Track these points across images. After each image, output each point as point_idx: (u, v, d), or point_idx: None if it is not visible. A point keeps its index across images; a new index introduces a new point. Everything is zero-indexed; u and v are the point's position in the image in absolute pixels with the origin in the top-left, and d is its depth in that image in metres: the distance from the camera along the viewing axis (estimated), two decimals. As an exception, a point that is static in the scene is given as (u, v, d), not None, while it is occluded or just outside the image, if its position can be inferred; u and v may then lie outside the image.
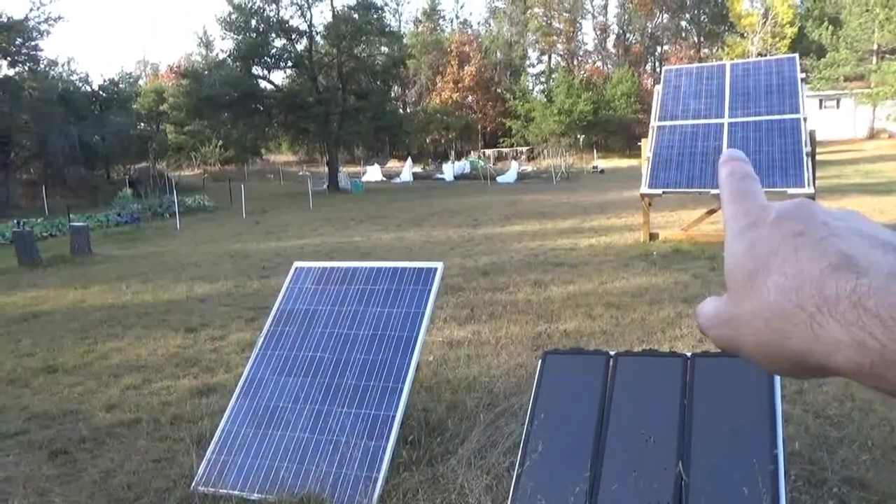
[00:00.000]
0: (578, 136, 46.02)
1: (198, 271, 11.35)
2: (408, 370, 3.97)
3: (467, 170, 38.72)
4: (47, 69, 33.13)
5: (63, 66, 36.30)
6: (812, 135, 10.47)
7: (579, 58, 62.16)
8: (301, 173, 39.19)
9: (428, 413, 4.46)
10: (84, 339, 7.33)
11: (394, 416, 3.77)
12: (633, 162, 36.45)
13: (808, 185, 9.88)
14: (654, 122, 11.67)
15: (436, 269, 4.45)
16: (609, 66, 58.99)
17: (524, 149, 47.47)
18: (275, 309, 4.56)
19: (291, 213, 21.77)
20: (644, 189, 11.06)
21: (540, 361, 3.68)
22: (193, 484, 3.76)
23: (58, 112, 29.05)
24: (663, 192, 10.97)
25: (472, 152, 49.41)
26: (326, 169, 35.45)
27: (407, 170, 38.46)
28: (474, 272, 9.53)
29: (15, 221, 16.40)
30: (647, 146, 11.57)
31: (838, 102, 42.14)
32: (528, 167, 39.73)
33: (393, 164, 46.58)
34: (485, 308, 7.32)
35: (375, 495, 3.44)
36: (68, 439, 4.62)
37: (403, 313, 4.25)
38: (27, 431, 4.85)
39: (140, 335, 7.35)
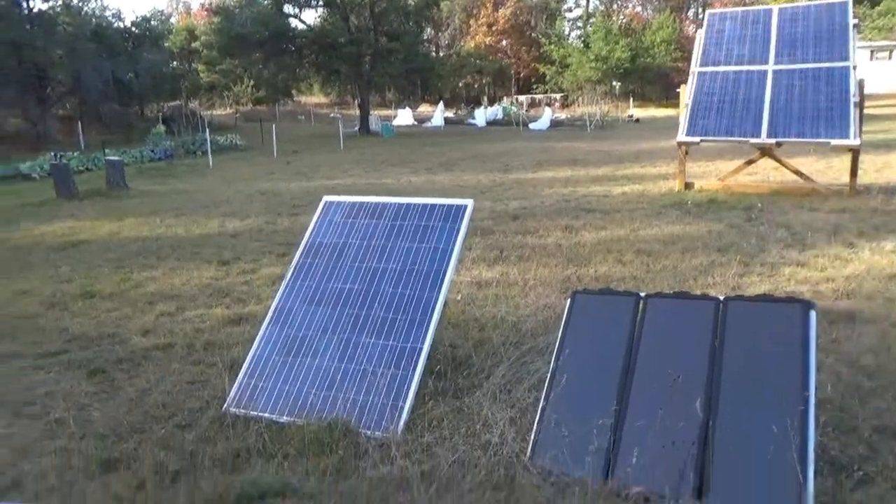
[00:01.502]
0: (615, 83, 44.86)
1: (229, 208, 11.47)
2: (435, 304, 3.98)
3: (499, 116, 38.12)
4: (80, 4, 33.05)
5: (95, 1, 36.23)
6: (861, 84, 10.02)
7: (619, 2, 59.97)
8: (332, 115, 38.99)
9: (455, 349, 4.49)
10: (120, 269, 7.51)
11: (420, 349, 3.81)
12: (670, 112, 35.52)
13: (854, 136, 9.51)
14: (695, 68, 11.27)
15: (465, 206, 4.42)
16: (649, 11, 56.84)
17: (558, 96, 46.49)
18: (304, 241, 4.59)
19: (322, 155, 21.77)
20: (681, 136, 10.77)
21: (569, 300, 3.66)
22: (225, 405, 3.88)
23: (91, 48, 29.11)
24: (701, 141, 10.67)
25: (504, 98, 48.57)
26: (357, 112, 35.20)
27: (438, 114, 38.00)
28: (504, 216, 9.47)
29: (52, 154, 16.68)
30: (686, 93, 11.21)
31: (891, 54, 40.19)
32: (562, 114, 38.96)
33: (424, 108, 46.04)
34: (514, 251, 7.29)
35: (401, 422, 3.50)
36: (106, 360, 4.78)
37: (432, 249, 4.25)
38: (67, 351, 5.02)
39: (174, 266, 7.50)
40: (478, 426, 3.43)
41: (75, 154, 19.22)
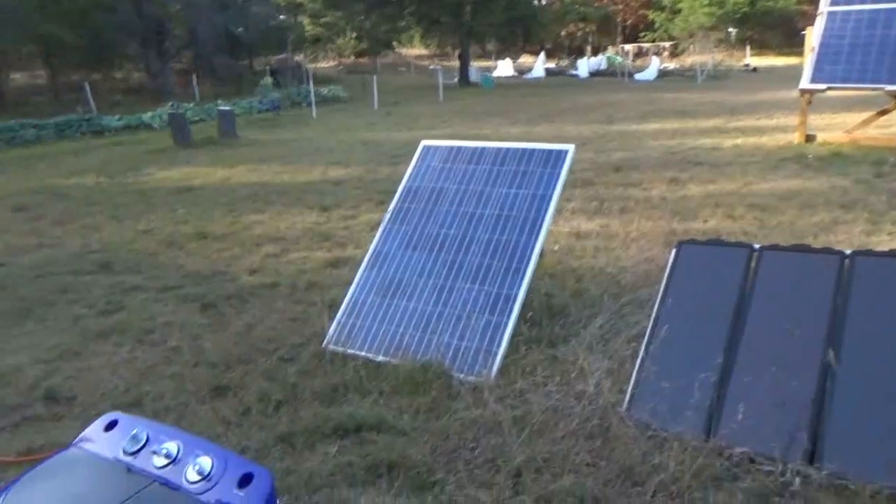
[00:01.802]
0: (730, 30, 41.82)
1: (332, 156, 11.75)
2: (532, 251, 3.90)
3: (603, 66, 36.64)
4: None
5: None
6: None
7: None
8: (432, 67, 38.82)
9: (550, 298, 4.41)
10: (231, 212, 7.88)
11: (516, 295, 3.76)
12: (791, 60, 32.82)
13: None
14: (825, 7, 10.26)
15: (566, 151, 4.26)
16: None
17: (667, 44, 43.97)
18: (402, 185, 4.60)
19: (421, 106, 21.79)
20: (805, 84, 9.91)
21: (674, 251, 3.48)
22: (325, 342, 4.01)
23: (205, 1, 30.22)
24: (827, 88, 9.78)
25: (609, 48, 46.50)
26: (457, 63, 34.85)
27: (539, 65, 37.01)
28: (606, 167, 9.15)
29: (170, 105, 17.64)
30: (812, 35, 10.25)
31: None
32: (671, 64, 36.89)
33: (525, 59, 44.92)
34: (615, 202, 7.03)
35: (495, 367, 3.49)
36: (217, 295, 5.05)
37: (531, 195, 4.14)
38: (183, 286, 5.35)
39: (280, 211, 7.80)
40: (572, 375, 3.36)
41: (191, 105, 20.25)
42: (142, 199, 8.95)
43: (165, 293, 5.23)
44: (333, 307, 4.35)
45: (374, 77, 24.40)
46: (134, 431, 1.53)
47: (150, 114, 18.49)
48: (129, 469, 1.46)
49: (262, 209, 7.95)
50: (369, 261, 4.33)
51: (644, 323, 3.63)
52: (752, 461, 2.64)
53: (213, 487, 1.36)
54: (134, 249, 6.55)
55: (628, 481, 2.58)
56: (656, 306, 3.31)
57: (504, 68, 38.20)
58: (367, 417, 3.17)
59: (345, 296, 4.25)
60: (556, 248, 5.56)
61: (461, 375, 3.52)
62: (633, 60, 39.39)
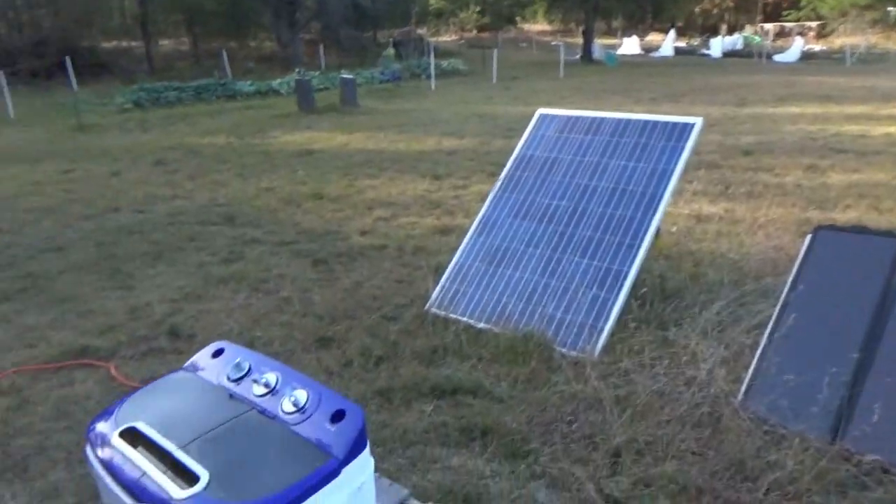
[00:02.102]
0: (889, 9, 37.79)
1: (447, 128, 11.78)
2: (647, 228, 3.70)
3: (739, 46, 34.31)
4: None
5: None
6: None
7: None
8: (554, 43, 37.98)
9: (664, 280, 4.18)
10: (346, 176, 8.10)
11: (627, 272, 3.59)
12: (963, 44, 29.27)
13: None
14: None
15: (692, 124, 3.98)
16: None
17: (814, 24, 40.45)
18: (515, 154, 4.50)
19: (541, 82, 21.38)
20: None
21: (810, 236, 3.18)
22: (427, 305, 4.02)
23: (335, -27, 31.02)
24: None
25: (747, 26, 43.45)
26: (581, 40, 33.84)
27: (668, 43, 35.22)
28: (734, 150, 8.57)
29: (297, 71, 18.34)
30: None
31: None
32: (816, 46, 33.95)
33: (653, 37, 42.91)
34: (743, 187, 6.57)
35: (599, 344, 3.36)
36: (328, 253, 5.21)
37: (650, 169, 3.92)
38: (297, 242, 5.56)
39: (393, 177, 7.92)
40: (683, 360, 3.17)
41: (316, 74, 20.97)
42: (266, 160, 9.38)
43: (281, 247, 5.45)
44: (439, 272, 4.35)
45: (495, 51, 24.17)
46: (238, 360, 1.57)
47: (278, 81, 19.34)
48: (231, 395, 1.50)
49: (376, 175, 8.10)
50: (477, 228, 4.28)
51: (767, 312, 3.36)
52: (885, 471, 2.37)
53: (306, 420, 1.37)
54: (256, 205, 6.87)
55: (738, 475, 2.40)
56: (784, 294, 3.04)
57: (629, 46, 36.68)
58: (464, 381, 3.15)
59: (450, 261, 4.24)
60: (674, 229, 5.27)
61: (563, 350, 3.41)
62: (773, 41, 36.60)
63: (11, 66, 18.39)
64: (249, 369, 1.54)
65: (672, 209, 5.88)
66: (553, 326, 3.55)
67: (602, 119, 4.34)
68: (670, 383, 2.98)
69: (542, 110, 4.66)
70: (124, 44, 28.63)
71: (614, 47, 35.71)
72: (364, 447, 1.33)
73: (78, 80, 17.08)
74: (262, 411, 1.42)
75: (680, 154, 3.88)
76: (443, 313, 3.90)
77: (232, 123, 13.27)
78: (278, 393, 1.44)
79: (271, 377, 1.48)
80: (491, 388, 3.11)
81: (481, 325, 3.73)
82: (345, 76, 15.72)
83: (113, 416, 1.47)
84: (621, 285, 3.54)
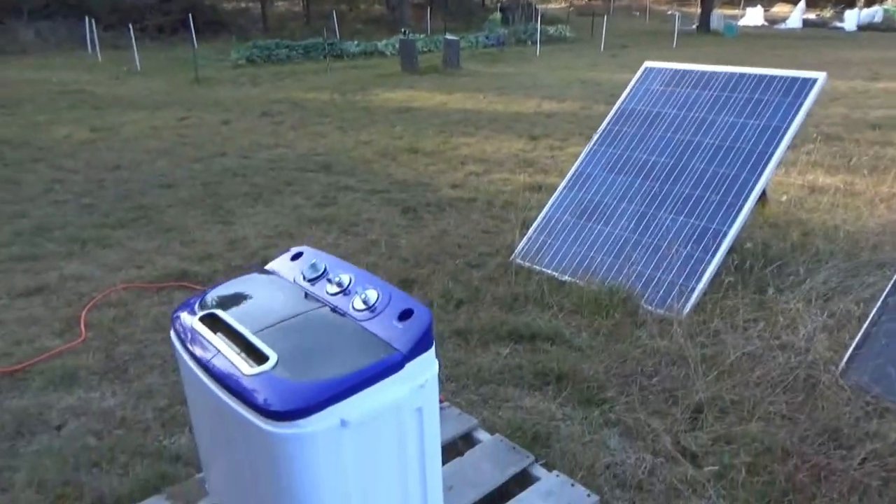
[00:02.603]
0: None
1: (548, 91, 11.52)
2: (753, 187, 3.47)
3: (878, 18, 31.35)
4: None
5: None
6: None
7: None
8: (669, 13, 36.20)
9: (767, 247, 3.93)
10: (442, 133, 8.10)
11: (726, 232, 3.39)
12: None
13: None
14: None
15: (815, 80, 3.67)
16: None
17: (971, -3, 36.26)
18: (616, 107, 4.32)
19: (651, 51, 20.43)
20: None
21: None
22: (512, 256, 3.98)
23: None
24: None
25: (889, -1, 39.56)
26: (698, 9, 32.01)
27: (797, 14, 32.69)
28: (860, 124, 7.89)
29: (403, 31, 18.44)
30: None
31: None
32: (971, 21, 30.49)
33: (779, 8, 39.97)
34: (866, 161, 6.04)
35: (689, 303, 3.21)
36: (417, 202, 5.24)
37: (762, 126, 3.66)
38: (388, 191, 5.63)
39: (488, 136, 7.85)
40: (780, 325, 2.97)
41: (421, 36, 21.02)
42: (366, 115, 9.53)
43: (373, 195, 5.54)
44: (526, 226, 4.28)
45: (605, 18, 23.32)
46: (314, 261, 1.59)
47: (384, 42, 19.54)
48: (306, 294, 1.53)
49: (472, 133, 8.05)
50: (569, 181, 4.17)
51: (881, 285, 3.10)
52: None
53: (375, 317, 1.37)
54: (352, 156, 7.01)
55: (832, 442, 2.23)
56: (903, 263, 2.78)
57: (752, 17, 34.34)
58: (543, 328, 3.10)
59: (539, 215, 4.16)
60: (784, 198, 4.93)
61: (650, 307, 3.28)
62: (919, 14, 33.16)
63: (140, 21, 19.58)
64: (325, 270, 1.56)
65: (784, 178, 5.50)
66: (641, 283, 3.42)
67: (713, 73, 4.08)
68: (764, 346, 2.80)
69: (648, 63, 4.44)
70: (242, 4, 29.83)
71: (735, 18, 33.56)
72: (429, 347, 1.33)
73: (198, 37, 17.95)
74: (334, 308, 1.44)
75: (797, 111, 3.59)
76: (527, 264, 3.85)
77: (336, 81, 13.55)
78: (350, 293, 1.46)
79: (345, 278, 1.50)
80: (570, 337, 3.04)
81: (566, 278, 3.65)
82: (449, 38, 15.67)
83: (195, 305, 1.54)
84: (718, 245, 3.35)
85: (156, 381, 2.84)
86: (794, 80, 3.71)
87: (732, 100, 3.86)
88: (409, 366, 1.28)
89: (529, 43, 21.90)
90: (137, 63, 15.52)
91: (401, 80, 13.44)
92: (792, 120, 3.56)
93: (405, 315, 1.35)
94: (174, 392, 2.74)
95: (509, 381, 2.75)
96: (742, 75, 3.94)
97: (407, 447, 1.32)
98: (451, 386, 2.73)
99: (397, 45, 16.77)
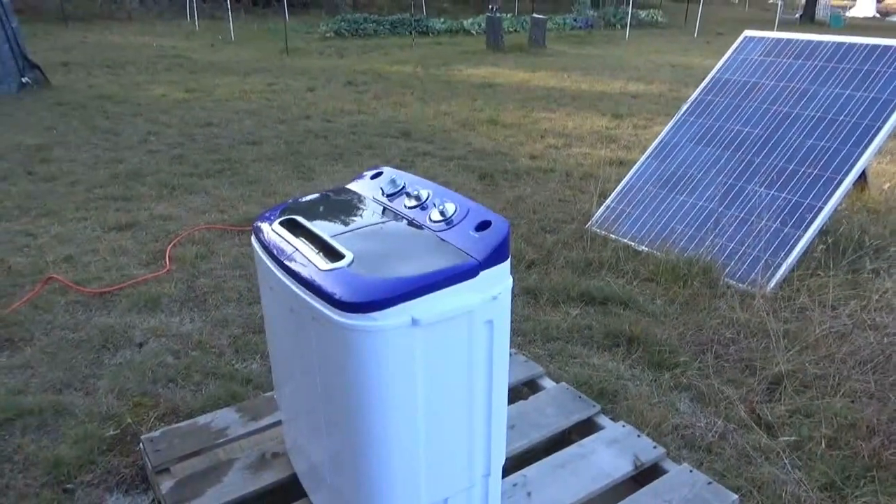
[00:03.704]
0: None
1: (635, 73, 11.18)
2: (855, 162, 3.25)
3: None
4: None
5: None
6: None
7: None
8: (772, 1, 34.40)
9: (864, 232, 3.68)
10: (523, 107, 8.00)
11: (821, 208, 3.19)
12: None
13: None
14: None
15: (937, 51, 3.39)
16: None
17: None
18: (710, 76, 4.13)
19: (748, 39, 19.49)
20: None
21: None
22: (589, 224, 3.89)
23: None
24: None
25: None
26: (803, -2, 30.23)
27: (913, 8, 30.40)
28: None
29: (490, 8, 18.29)
30: None
31: None
32: None
33: None
34: (984, 154, 5.57)
35: (775, 279, 3.05)
36: (495, 170, 5.20)
37: (870, 98, 3.42)
38: (466, 158, 5.62)
39: (570, 112, 7.69)
40: (873, 306, 2.79)
41: (508, 16, 20.79)
42: (447, 88, 9.52)
43: (450, 161, 5.54)
44: (604, 196, 4.18)
45: (700, 4, 22.39)
46: (394, 177, 1.59)
47: (470, 20, 19.45)
48: (384, 209, 1.53)
49: (554, 109, 7.92)
50: (654, 150, 4.03)
51: None
52: None
53: (451, 228, 1.36)
54: (431, 125, 7.02)
55: (924, 425, 2.08)
56: None
57: (863, 7, 32.19)
58: (616, 293, 3.02)
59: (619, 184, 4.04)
60: (887, 186, 4.61)
61: (731, 280, 3.14)
62: None
63: (236, -7, 20.20)
64: (404, 186, 1.56)
65: (887, 167, 5.15)
66: (724, 256, 3.28)
67: (819, 42, 3.84)
68: (854, 325, 2.64)
69: (748, 32, 4.23)
70: (333, -20, 30.30)
71: (844, 8, 31.54)
72: (505, 258, 1.30)
73: (289, 11, 18.41)
74: (411, 221, 1.44)
75: (910, 84, 3.33)
76: (603, 232, 3.76)
77: (421, 56, 13.60)
78: (427, 206, 1.45)
79: (423, 193, 1.49)
80: (644, 303, 2.96)
81: (643, 247, 3.54)
82: (536, 16, 15.43)
83: (276, 211, 1.57)
84: (812, 220, 3.16)
85: (232, 311, 2.95)
86: (911, 51, 3.45)
87: (839, 70, 3.62)
88: (483, 274, 1.26)
89: (619, 27, 21.33)
90: (232, 33, 16.06)
91: (485, 57, 13.35)
92: (904, 93, 3.31)
93: (483, 226, 1.33)
94: (249, 323, 2.84)
95: (578, 339, 2.70)
96: (851, 45, 3.69)
97: (475, 357, 1.30)
98: (518, 339, 2.71)
99: (483, 24, 16.66)
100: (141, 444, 1.92)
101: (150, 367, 2.50)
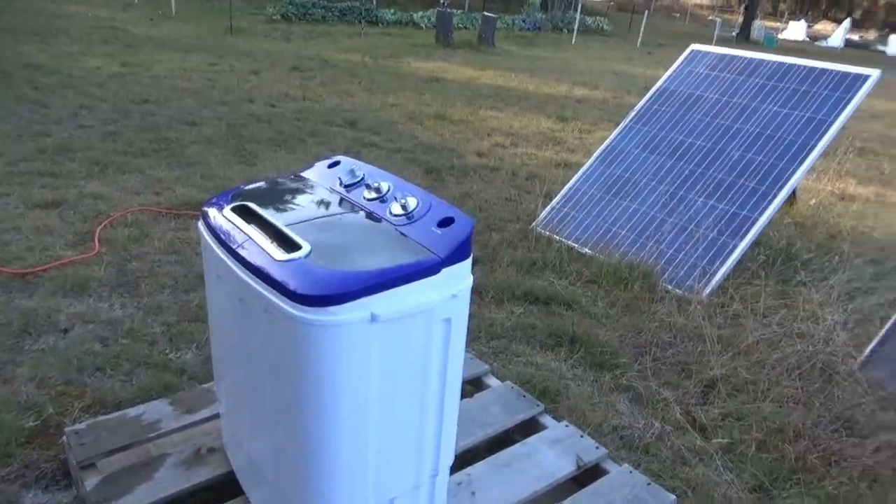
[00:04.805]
0: None
1: (581, 78, 11.39)
2: (789, 178, 3.39)
3: (922, 46, 30.79)
4: None
5: None
6: None
7: None
8: (710, 17, 35.71)
9: (791, 245, 3.86)
10: (470, 104, 8.01)
11: (756, 219, 3.32)
12: None
13: None
14: None
15: (868, 76, 3.58)
16: None
17: None
18: (656, 87, 4.24)
19: (687, 53, 20.17)
20: None
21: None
22: (533, 224, 3.93)
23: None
24: None
25: (936, 28, 38.81)
26: (741, 18, 31.54)
27: (840, 33, 32.12)
28: (897, 142, 7.76)
29: (441, 2, 18.28)
30: None
31: None
32: None
33: (823, 25, 39.34)
34: (900, 176, 5.94)
35: (710, 285, 3.15)
36: (442, 165, 5.19)
37: (806, 118, 3.58)
38: (413, 152, 5.58)
39: (517, 112, 7.76)
40: (801, 316, 2.92)
41: (459, 12, 20.80)
42: (395, 80, 9.44)
43: (397, 154, 5.49)
44: (549, 198, 4.23)
45: (644, 16, 23.03)
46: (352, 167, 1.55)
47: (420, 14, 19.35)
48: (341, 199, 1.49)
49: (501, 108, 7.96)
50: (600, 155, 4.10)
51: (909, 291, 3.03)
52: None
53: (413, 223, 1.33)
54: (379, 116, 6.95)
55: (845, 430, 2.19)
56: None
57: (794, 31, 33.79)
58: (560, 293, 3.06)
59: (565, 186, 4.10)
60: (813, 202, 4.84)
61: (670, 286, 3.23)
62: (964, 47, 32.57)
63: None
64: (363, 178, 1.52)
65: (814, 184, 5.41)
66: (662, 262, 3.37)
67: (762, 60, 3.99)
68: (783, 333, 2.75)
69: (694, 46, 4.35)
70: (281, -38, 29.54)
71: (777, 31, 33.05)
72: (467, 256, 1.29)
73: (234, -12, 17.83)
74: (370, 213, 1.40)
75: (845, 106, 3.51)
76: (548, 233, 3.80)
77: (369, 45, 13.44)
78: (388, 200, 1.42)
79: (384, 185, 1.46)
80: (587, 305, 3.01)
81: (586, 249, 3.60)
82: (487, 14, 15.50)
83: (227, 197, 1.50)
84: (747, 231, 3.29)
85: (166, 298, 2.82)
86: (846, 74, 3.62)
87: (779, 89, 3.78)
88: (445, 271, 1.24)
89: (566, 31, 21.67)
90: (173, 7, 15.45)
91: (434, 51, 13.31)
92: (838, 115, 3.48)
93: (446, 222, 1.31)
94: (184, 310, 2.73)
95: (521, 338, 2.72)
96: (791, 65, 3.85)
97: (432, 356, 1.28)
98: (463, 336, 2.70)
99: (433, 18, 16.61)
100: (64, 437, 1.81)
101: (76, 355, 2.36)
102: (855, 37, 34.32)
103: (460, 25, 18.21)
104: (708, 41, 23.12)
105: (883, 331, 2.66)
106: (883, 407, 2.31)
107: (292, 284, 1.15)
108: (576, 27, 20.28)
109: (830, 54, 26.89)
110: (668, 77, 4.22)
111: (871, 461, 2.01)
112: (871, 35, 35.99)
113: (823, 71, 3.70)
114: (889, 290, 3.19)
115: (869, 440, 2.11)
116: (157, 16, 14.61)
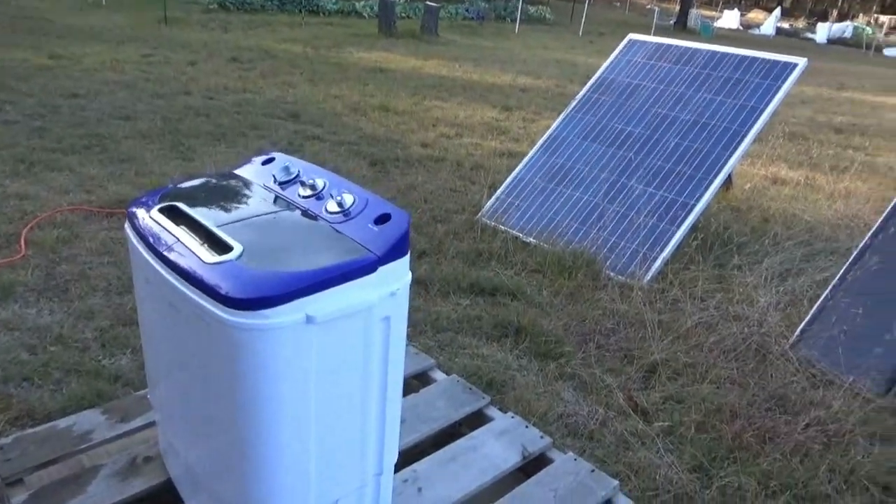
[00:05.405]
0: None
1: (524, 67, 11.46)
2: (724, 164, 3.49)
3: (848, 34, 32.18)
4: None
5: None
6: None
7: None
8: (648, 6, 36.44)
9: (728, 228, 3.98)
10: (415, 95, 7.97)
11: (693, 206, 3.41)
12: None
13: None
14: None
15: (795, 65, 3.71)
16: None
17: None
18: (596, 76, 4.29)
19: (627, 41, 20.53)
20: None
21: (894, 202, 2.94)
22: (479, 215, 3.93)
23: None
24: None
25: (860, 16, 40.68)
26: (678, 7, 32.27)
27: (771, 21, 33.28)
28: (825, 127, 8.08)
29: (383, -7, 18.06)
30: None
31: None
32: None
33: (755, 14, 40.64)
34: (828, 160, 6.19)
35: (651, 272, 3.22)
36: (386, 157, 5.14)
37: (738, 105, 3.68)
38: (357, 144, 5.51)
39: (461, 102, 7.76)
40: (736, 299, 3.01)
41: (401, 1, 20.64)
42: (338, 71, 9.31)
43: (340, 146, 5.41)
44: (494, 188, 4.24)
45: (585, 5, 23.34)
46: (286, 164, 1.51)
47: (362, 3, 19.11)
48: (276, 197, 1.45)
49: (445, 98, 7.95)
50: (543, 144, 4.13)
51: (834, 270, 3.17)
52: (939, 432, 2.21)
53: (349, 220, 1.31)
54: (321, 108, 6.84)
55: (778, 408, 2.28)
56: (855, 256, 2.84)
57: (728, 19, 34.83)
58: (505, 283, 3.08)
59: (510, 176, 4.12)
60: (748, 186, 5.01)
61: (612, 273, 3.29)
62: (886, 34, 34.23)
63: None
64: (298, 174, 1.49)
65: (748, 168, 5.59)
66: (605, 250, 3.42)
67: (696, 50, 4.09)
68: (719, 317, 2.84)
69: (632, 35, 4.42)
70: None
71: (712, 19, 33.97)
72: (405, 253, 1.27)
73: (168, -24, 17.23)
74: (305, 211, 1.37)
75: (775, 93, 3.62)
76: (493, 223, 3.81)
77: (310, 35, 13.20)
78: (324, 197, 1.38)
79: (319, 182, 1.43)
80: (531, 294, 3.03)
81: (530, 239, 3.63)
82: (430, 3, 15.41)
83: (155, 197, 1.44)
84: (685, 217, 3.37)
85: (98, 302, 2.72)
86: (775, 63, 3.74)
87: (713, 78, 3.87)
88: (382, 269, 1.22)
89: (509, 20, 21.77)
90: (102, -5, 14.84)
91: (376, 41, 13.17)
92: (769, 102, 3.59)
93: (382, 219, 1.28)
94: (118, 314, 2.63)
95: (467, 330, 2.72)
96: (724, 55, 3.96)
97: (371, 356, 1.26)
98: (409, 330, 2.68)
99: (375, 8, 16.42)
100: (-10, 452, 1.72)
101: (1, 365, 2.25)
102: (785, 25, 35.60)
103: (403, 15, 18.07)
104: (647, 30, 23.62)
105: (812, 311, 2.77)
106: (813, 384, 2.41)
107: (223, 288, 1.11)
108: (518, 16, 20.39)
109: (763, 42, 27.85)
110: (608, 66, 4.28)
111: (802, 437, 2.10)
112: (801, 23, 37.40)
113: (754, 59, 3.81)
114: (817, 271, 3.33)
115: (801, 417, 2.20)
116: (85, 4, 14.02)
